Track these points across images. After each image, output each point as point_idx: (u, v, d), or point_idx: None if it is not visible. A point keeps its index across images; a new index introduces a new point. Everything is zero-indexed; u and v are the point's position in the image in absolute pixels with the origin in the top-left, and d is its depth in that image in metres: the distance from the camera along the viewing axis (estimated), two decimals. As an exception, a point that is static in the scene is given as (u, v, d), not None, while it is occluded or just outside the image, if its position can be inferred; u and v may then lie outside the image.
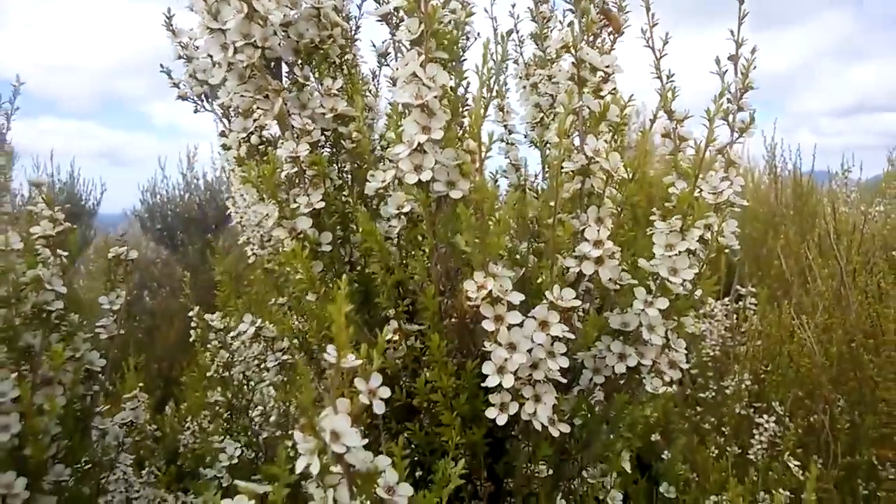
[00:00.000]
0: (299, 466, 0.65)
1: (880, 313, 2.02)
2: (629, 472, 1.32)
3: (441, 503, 0.77)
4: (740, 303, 2.37)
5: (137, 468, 1.39)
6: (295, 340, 1.18)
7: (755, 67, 1.09)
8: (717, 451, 1.93)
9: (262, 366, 1.36)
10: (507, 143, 1.36)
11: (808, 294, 2.03)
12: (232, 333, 1.42)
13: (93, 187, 5.34)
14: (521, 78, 1.38)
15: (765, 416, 1.94)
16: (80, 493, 1.13)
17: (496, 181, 1.23)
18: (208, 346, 1.50)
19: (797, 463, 1.65)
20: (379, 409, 0.68)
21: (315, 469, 0.64)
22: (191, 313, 1.50)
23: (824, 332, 1.97)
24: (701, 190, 0.98)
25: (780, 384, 2.00)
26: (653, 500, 1.88)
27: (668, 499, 1.58)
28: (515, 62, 1.40)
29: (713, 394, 2.29)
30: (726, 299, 2.40)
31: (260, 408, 1.50)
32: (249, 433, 1.43)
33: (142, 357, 1.51)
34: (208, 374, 1.44)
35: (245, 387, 1.45)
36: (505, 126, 1.37)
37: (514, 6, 1.34)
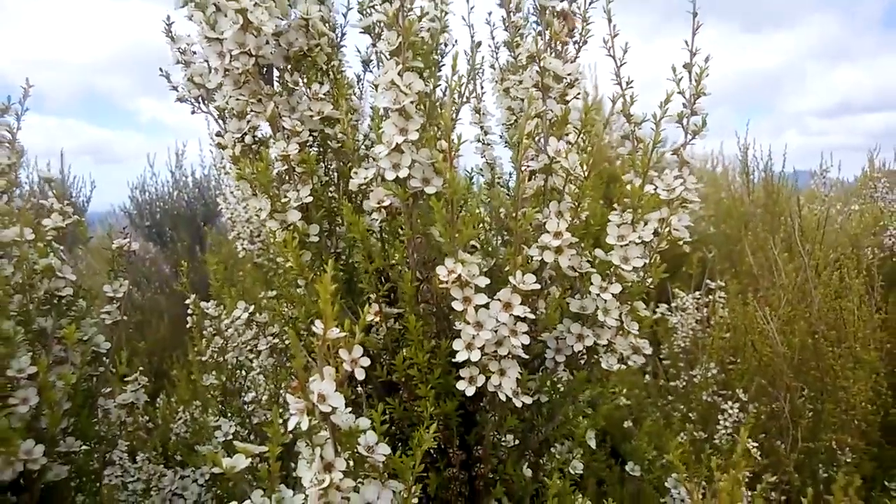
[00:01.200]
0: (291, 424, 0.76)
1: (843, 307, 2.14)
2: (593, 448, 1.43)
3: (416, 464, 0.87)
4: (710, 297, 2.49)
5: (131, 457, 1.48)
6: (285, 327, 1.28)
7: (707, 75, 1.20)
8: (683, 435, 2.04)
9: (254, 350, 1.46)
10: (483, 144, 1.46)
11: (773, 288, 2.15)
12: (226, 321, 1.51)
13: (82, 184, 5.39)
14: (496, 83, 1.48)
15: (729, 403, 2.05)
16: (88, 464, 1.22)
17: (471, 179, 1.33)
18: (203, 332, 1.59)
19: (755, 444, 1.76)
20: (360, 375, 0.78)
21: (304, 426, 0.74)
22: (188, 301, 1.59)
23: (787, 324, 2.09)
24: (655, 186, 1.09)
25: (745, 373, 2.11)
26: (623, 484, 1.99)
27: (634, 477, 1.68)
28: (492, 67, 1.50)
29: (683, 383, 2.40)
30: (697, 293, 2.52)
31: (252, 393, 1.60)
32: (242, 414, 1.53)
33: (142, 343, 1.60)
34: (204, 358, 1.54)
35: (238, 371, 1.55)
36: (481, 127, 1.47)
37: (490, 14, 1.44)
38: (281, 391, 1.44)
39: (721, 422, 2.04)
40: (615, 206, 1.11)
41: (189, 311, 1.65)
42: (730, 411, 2.03)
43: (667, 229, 1.08)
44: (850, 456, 2.06)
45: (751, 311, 2.03)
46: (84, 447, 1.21)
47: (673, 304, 2.58)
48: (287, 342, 1.37)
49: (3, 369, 1.05)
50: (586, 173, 0.96)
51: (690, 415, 2.20)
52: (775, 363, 2.00)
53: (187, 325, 1.62)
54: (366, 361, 0.79)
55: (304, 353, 0.78)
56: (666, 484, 1.60)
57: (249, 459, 0.84)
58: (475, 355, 0.91)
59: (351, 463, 0.82)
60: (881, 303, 2.26)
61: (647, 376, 2.66)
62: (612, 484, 2.05)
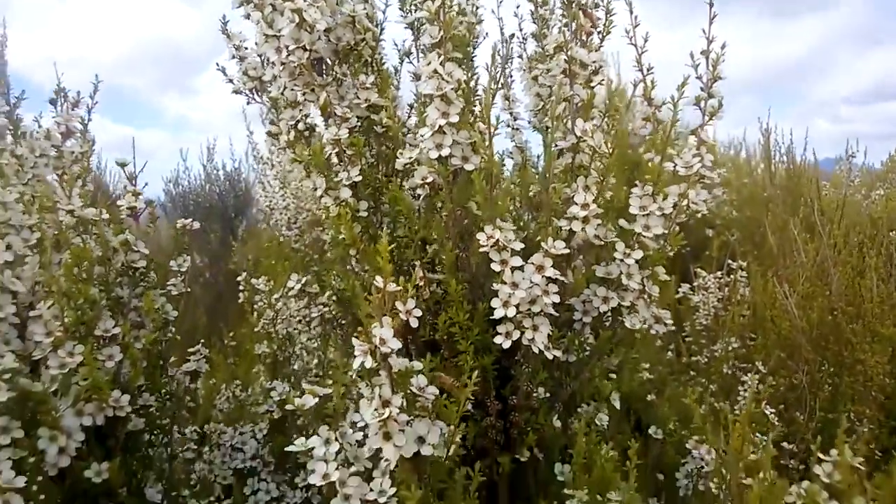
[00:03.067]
0: (356, 364, 0.88)
1: (862, 285, 2.22)
2: (617, 408, 1.54)
3: (460, 407, 0.99)
4: (731, 276, 2.58)
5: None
6: (334, 297, 1.41)
7: (724, 61, 1.30)
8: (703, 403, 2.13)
9: (304, 320, 1.59)
10: (513, 129, 1.58)
11: (793, 266, 2.24)
12: (276, 294, 1.65)
13: (118, 178, 5.57)
14: (524, 71, 1.59)
15: (749, 375, 2.14)
16: (160, 419, 1.36)
17: (503, 161, 1.44)
18: (255, 306, 1.73)
19: (773, 411, 1.86)
20: (414, 324, 0.91)
21: (368, 364, 0.87)
22: (239, 278, 1.73)
23: (806, 300, 2.17)
24: (674, 164, 1.20)
25: (764, 347, 2.20)
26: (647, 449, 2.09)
27: (656, 440, 1.79)
28: (520, 57, 1.61)
29: (705, 359, 2.50)
30: (719, 273, 2.61)
31: (301, 361, 1.73)
32: (293, 381, 1.67)
33: (203, 318, 1.73)
34: (255, 329, 1.67)
35: (288, 341, 1.68)
36: (510, 113, 1.59)
37: (518, 7, 1.55)
38: (330, 356, 1.57)
39: (741, 393, 2.14)
40: (637, 182, 1.22)
41: (241, 288, 1.78)
42: (749, 383, 2.12)
43: (685, 202, 1.19)
44: (867, 426, 2.15)
45: (770, 289, 2.12)
46: (157, 403, 1.35)
47: (695, 284, 2.67)
48: (334, 313, 1.50)
49: (92, 329, 1.19)
50: (610, 151, 1.07)
51: (711, 387, 2.29)
52: (794, 337, 2.09)
53: (223, 311, 1.76)
54: (418, 312, 0.91)
55: (363, 305, 0.90)
56: (686, 445, 1.70)
57: (316, 399, 0.97)
58: (511, 312, 1.03)
59: (405, 402, 0.94)
60: (900, 281, 2.33)
61: (670, 353, 2.76)
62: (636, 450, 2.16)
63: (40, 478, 1.03)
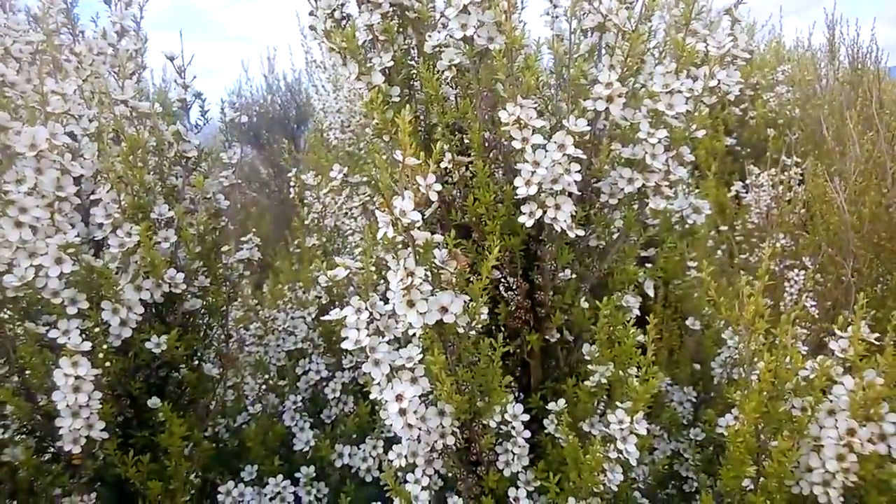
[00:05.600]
0: (379, 234, 0.94)
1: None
2: (651, 295, 1.57)
3: (483, 280, 1.05)
4: (785, 174, 2.53)
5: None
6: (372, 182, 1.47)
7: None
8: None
9: (349, 212, 1.66)
10: (552, 17, 1.56)
11: (846, 160, 2.18)
12: (325, 189, 1.72)
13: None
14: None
15: (795, 271, 2.14)
16: (217, 301, 1.47)
17: (537, 42, 1.44)
18: (305, 201, 1.81)
19: (814, 303, 1.86)
20: (433, 197, 0.96)
21: (390, 234, 0.93)
22: (290, 174, 1.80)
23: (858, 195, 2.12)
24: (706, 44, 1.19)
25: (812, 243, 2.18)
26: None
27: (693, 331, 1.83)
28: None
29: (756, 258, 2.49)
30: (773, 170, 2.56)
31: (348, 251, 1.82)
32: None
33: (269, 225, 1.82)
34: (306, 222, 1.76)
35: (336, 233, 1.77)
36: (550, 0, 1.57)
37: None
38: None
39: (787, 289, 2.14)
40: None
41: (291, 183, 1.86)
42: (795, 279, 2.12)
43: (715, 83, 1.18)
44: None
45: (821, 183, 2.08)
46: (212, 286, 1.46)
47: (748, 182, 2.63)
48: (375, 201, 1.56)
49: (148, 213, 1.29)
50: (634, 27, 1.07)
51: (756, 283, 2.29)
52: (842, 232, 2.05)
53: (287, 220, 1.84)
54: (437, 187, 0.96)
55: (389, 178, 0.95)
56: (723, 335, 1.73)
57: (348, 270, 1.04)
58: (533, 190, 1.06)
59: (428, 274, 1.00)
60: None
61: (720, 252, 2.75)
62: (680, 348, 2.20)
63: (105, 346, 1.14)
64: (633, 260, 1.34)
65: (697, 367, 1.87)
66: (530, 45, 1.42)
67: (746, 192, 2.67)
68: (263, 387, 1.61)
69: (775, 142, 3.00)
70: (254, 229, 1.63)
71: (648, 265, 1.50)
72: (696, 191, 3.13)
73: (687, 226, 1.53)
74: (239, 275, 1.64)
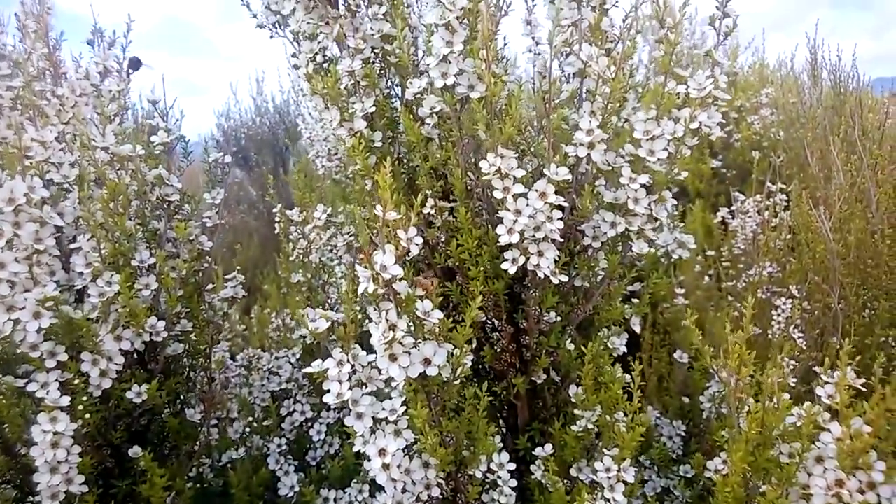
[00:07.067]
0: (360, 289, 0.93)
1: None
2: (638, 332, 1.57)
3: (467, 329, 1.04)
4: (771, 199, 2.54)
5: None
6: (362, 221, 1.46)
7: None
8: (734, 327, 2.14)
9: (334, 250, 1.65)
10: (534, 54, 1.57)
11: (830, 187, 2.19)
12: (309, 225, 1.71)
13: (173, 115, 5.69)
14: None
15: (782, 300, 2.14)
16: (199, 344, 1.46)
17: (521, 87, 1.44)
18: (290, 237, 1.80)
19: (801, 335, 1.86)
20: (414, 251, 0.95)
21: (371, 290, 0.92)
22: (275, 210, 1.79)
23: (843, 223, 2.13)
24: (687, 86, 1.19)
25: (800, 270, 2.18)
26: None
27: (682, 364, 1.82)
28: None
29: (742, 284, 2.49)
30: (758, 196, 2.56)
31: (334, 289, 1.81)
32: (326, 307, 1.75)
33: (239, 245, 1.81)
34: (291, 258, 1.75)
35: (321, 269, 1.75)
36: (533, 38, 1.57)
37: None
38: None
39: (775, 317, 2.14)
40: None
41: (276, 219, 1.85)
42: (783, 307, 2.12)
43: (696, 125, 1.18)
44: (905, 350, 2.12)
45: (805, 211, 2.08)
46: (195, 330, 1.44)
47: (733, 208, 2.64)
48: (360, 241, 1.56)
49: (129, 260, 1.27)
50: (614, 75, 1.07)
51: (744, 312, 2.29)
52: (828, 261, 2.06)
53: (276, 243, 1.83)
54: (419, 240, 0.95)
55: (369, 233, 0.95)
56: (714, 363, 1.72)
57: (329, 322, 1.03)
58: (515, 238, 1.06)
59: (412, 326, 0.99)
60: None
61: (708, 278, 2.76)
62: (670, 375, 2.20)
63: (85, 398, 1.13)
64: (619, 296, 1.33)
65: (686, 399, 1.86)
66: (512, 77, 1.42)
67: (732, 218, 2.68)
68: (247, 429, 1.59)
69: (760, 164, 3.02)
70: (240, 249, 1.61)
71: (635, 300, 1.50)
72: (682, 217, 3.14)
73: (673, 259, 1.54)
74: (224, 314, 1.62)
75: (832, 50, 2.77)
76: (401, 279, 0.94)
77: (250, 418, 1.60)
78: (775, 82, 3.68)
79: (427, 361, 0.99)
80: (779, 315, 2.13)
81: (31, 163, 1.17)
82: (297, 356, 1.62)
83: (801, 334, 1.86)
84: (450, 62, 1.06)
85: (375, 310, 0.98)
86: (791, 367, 1.82)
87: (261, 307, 3.67)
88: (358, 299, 0.99)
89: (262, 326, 3.31)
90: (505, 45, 1.59)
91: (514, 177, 1.04)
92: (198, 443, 1.46)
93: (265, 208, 5.23)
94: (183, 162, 1.46)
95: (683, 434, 1.70)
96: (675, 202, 1.19)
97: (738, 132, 3.62)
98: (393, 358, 0.96)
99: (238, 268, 1.72)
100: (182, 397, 1.45)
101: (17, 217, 1.05)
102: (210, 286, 1.57)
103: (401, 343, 0.96)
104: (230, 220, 5.10)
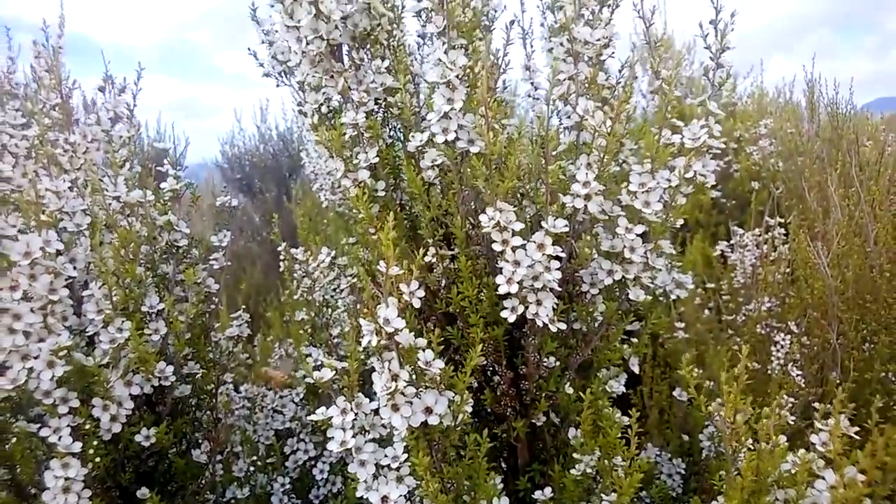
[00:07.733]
0: (364, 342, 0.96)
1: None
2: (637, 372, 1.59)
3: (467, 378, 1.07)
4: (770, 233, 2.57)
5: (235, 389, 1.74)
6: (361, 267, 1.49)
7: (732, 30, 1.30)
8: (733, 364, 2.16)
9: (337, 290, 1.68)
10: (534, 99, 1.61)
11: (828, 223, 2.22)
12: (313, 265, 1.74)
13: (177, 141, 5.78)
14: (545, 40, 1.61)
15: (781, 335, 2.16)
16: (205, 385, 1.49)
17: (520, 133, 1.48)
18: (294, 275, 1.83)
19: (799, 372, 1.88)
20: (416, 304, 0.98)
21: (374, 343, 0.95)
22: (279, 248, 1.83)
23: (840, 259, 2.15)
24: (682, 136, 1.22)
25: (797, 307, 2.20)
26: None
27: (681, 402, 1.84)
28: (541, 25, 1.63)
29: (742, 318, 2.51)
30: (757, 230, 2.59)
31: (337, 328, 1.84)
32: (329, 345, 1.77)
33: (242, 286, 1.85)
34: (294, 297, 1.78)
35: (325, 308, 1.78)
36: (532, 83, 1.62)
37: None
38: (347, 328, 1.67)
39: (774, 352, 2.15)
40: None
41: (281, 258, 1.89)
42: (782, 343, 2.14)
43: (691, 174, 1.21)
44: (905, 386, 2.13)
45: (803, 247, 2.11)
46: (202, 371, 1.47)
47: (732, 242, 2.67)
48: (363, 282, 1.59)
49: (139, 306, 1.31)
50: (610, 129, 1.11)
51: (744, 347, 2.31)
52: (826, 297, 2.08)
53: (279, 270, 1.86)
54: (420, 293, 0.99)
55: (372, 287, 0.98)
56: (710, 409, 1.75)
57: (333, 372, 1.06)
58: (514, 288, 1.09)
59: (414, 376, 1.02)
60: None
61: (708, 311, 2.78)
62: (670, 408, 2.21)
63: (96, 442, 1.16)
64: (617, 339, 1.36)
65: (686, 437, 1.88)
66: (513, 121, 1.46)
67: (731, 251, 2.71)
68: (251, 468, 1.61)
69: (759, 195, 3.05)
70: (244, 276, 1.64)
71: (633, 339, 1.53)
72: (682, 248, 3.16)
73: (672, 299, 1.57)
74: (229, 353, 1.65)
75: (829, 83, 2.82)
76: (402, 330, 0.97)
77: (254, 457, 1.62)
78: (774, 112, 3.73)
79: (428, 410, 1.01)
80: (778, 350, 2.16)
81: (46, 214, 1.20)
82: (301, 395, 1.65)
83: (799, 372, 1.87)
84: (450, 118, 1.11)
85: (378, 360, 1.01)
86: (790, 405, 1.84)
87: (263, 335, 3.70)
88: (361, 350, 1.02)
89: (264, 356, 3.33)
90: (505, 88, 1.63)
91: (512, 230, 1.07)
92: (203, 480, 1.48)
93: (268, 234, 5.27)
94: (191, 207, 1.49)
95: (683, 472, 1.71)
96: (672, 246, 1.22)
97: (737, 162, 3.66)
98: (395, 408, 0.99)
99: (242, 290, 1.75)
100: (188, 437, 1.47)
101: (32, 270, 1.08)
102: (215, 325, 1.60)
103: (403, 393, 0.99)
104: (234, 248, 5.15)
